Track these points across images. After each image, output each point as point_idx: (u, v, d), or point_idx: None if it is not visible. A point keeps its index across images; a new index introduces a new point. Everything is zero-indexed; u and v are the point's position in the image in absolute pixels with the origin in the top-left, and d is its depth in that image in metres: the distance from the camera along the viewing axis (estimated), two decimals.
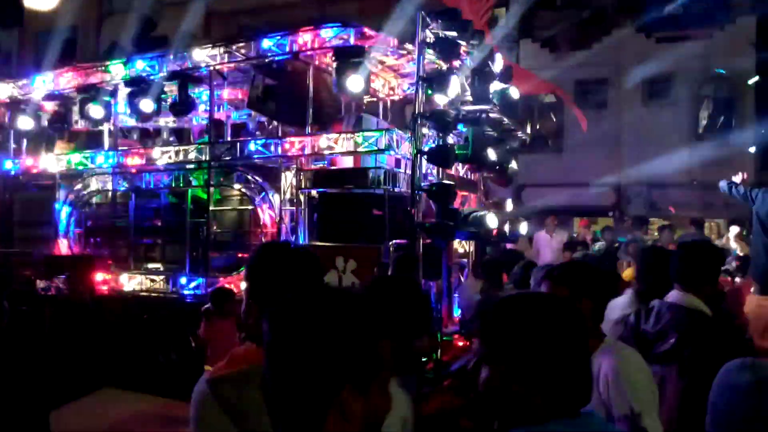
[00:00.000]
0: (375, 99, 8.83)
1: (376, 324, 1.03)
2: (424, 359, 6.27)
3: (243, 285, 5.77)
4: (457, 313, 7.47)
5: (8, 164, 9.26)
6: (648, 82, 14.37)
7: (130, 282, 8.13)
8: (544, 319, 1.26)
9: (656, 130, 13.91)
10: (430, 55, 6.76)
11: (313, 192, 7.35)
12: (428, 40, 6.60)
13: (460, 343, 6.87)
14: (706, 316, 2.37)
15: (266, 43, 7.28)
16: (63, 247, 8.82)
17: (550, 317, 1.27)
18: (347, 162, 7.41)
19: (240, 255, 7.71)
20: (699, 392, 1.50)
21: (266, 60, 7.29)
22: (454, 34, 6.55)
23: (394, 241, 6.86)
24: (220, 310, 5.47)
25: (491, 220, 6.57)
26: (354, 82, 6.72)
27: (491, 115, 7.25)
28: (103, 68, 8.50)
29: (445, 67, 6.78)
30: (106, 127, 8.85)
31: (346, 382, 0.96)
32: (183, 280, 7.76)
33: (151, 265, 8.38)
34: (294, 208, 7.33)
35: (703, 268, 2.46)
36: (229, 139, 8.75)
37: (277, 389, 0.97)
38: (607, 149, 13.99)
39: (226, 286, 6.72)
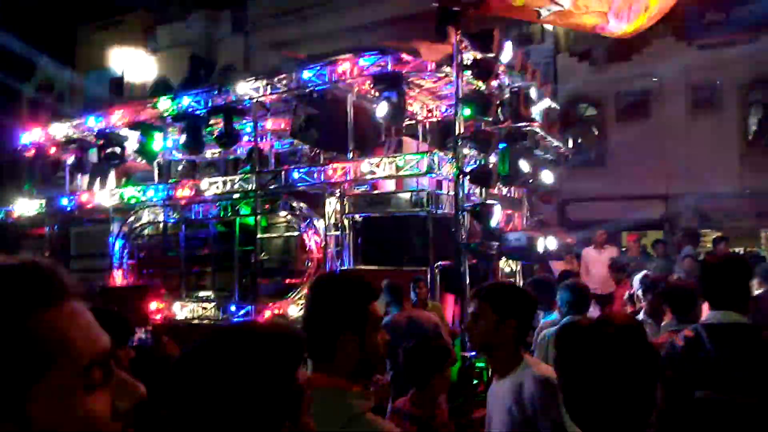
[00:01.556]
0: (414, 122, 8.91)
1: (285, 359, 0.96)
2: (475, 381, 6.22)
3: (293, 311, 5.78)
4: None
5: (65, 201, 9.69)
6: (692, 90, 14.03)
7: (183, 310, 8.34)
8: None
9: (703, 139, 13.51)
10: (467, 76, 6.81)
11: (357, 216, 7.44)
12: (465, 62, 6.65)
13: None
14: None
15: (306, 74, 7.46)
16: (117, 278, 9.13)
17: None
18: (389, 185, 7.48)
19: (287, 281, 7.82)
20: None
21: (307, 90, 7.46)
22: (491, 54, 6.58)
23: (439, 262, 6.86)
24: None
25: (540, 239, 6.51)
26: (393, 108, 6.81)
27: (531, 132, 7.22)
28: (152, 105, 8.85)
29: (483, 87, 6.81)
30: (156, 162, 9.17)
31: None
32: (233, 308, 7.92)
33: (202, 293, 8.58)
34: (338, 233, 7.42)
35: (744, 284, 2.36)
36: (273, 168, 8.94)
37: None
38: (652, 160, 13.65)
39: (277, 311, 6.84)
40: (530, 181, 7.26)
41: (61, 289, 0.66)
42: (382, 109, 6.83)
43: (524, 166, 6.68)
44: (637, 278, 4.91)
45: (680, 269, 7.78)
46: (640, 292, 4.73)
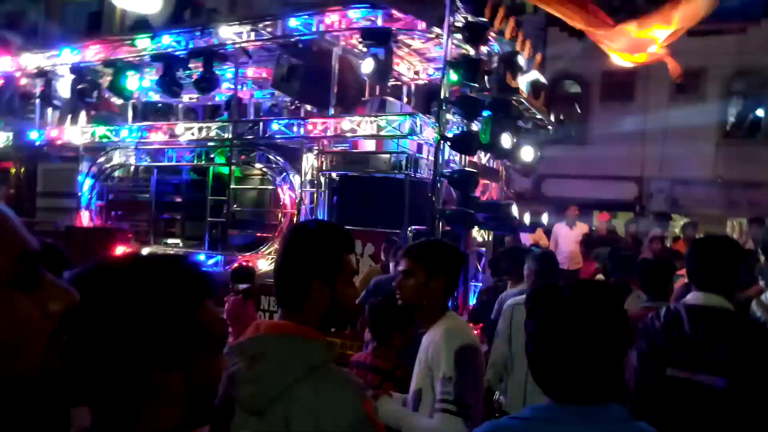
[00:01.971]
0: (399, 83, 8.76)
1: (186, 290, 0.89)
2: None
3: (263, 264, 5.73)
4: (472, 301, 7.45)
5: (33, 134, 9.36)
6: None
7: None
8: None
9: (683, 126, 13.63)
10: (457, 40, 6.68)
11: (334, 174, 7.35)
12: (457, 24, 6.52)
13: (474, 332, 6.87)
14: (755, 324, 2.30)
15: (293, 22, 7.24)
16: (84, 218, 8.92)
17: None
18: (369, 145, 7.38)
19: (259, 234, 7.74)
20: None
21: (292, 39, 7.25)
22: (483, 19, 6.46)
23: (413, 227, 6.84)
24: (242, 288, 5.49)
25: (515, 211, 6.52)
26: (379, 65, 6.67)
27: (516, 102, 7.16)
28: (130, 42, 8.52)
29: (472, 52, 6.69)
30: (130, 102, 8.88)
31: (156, 362, 0.85)
32: (201, 257, 7.82)
33: (170, 241, 8.46)
34: (314, 189, 7.33)
35: (732, 269, 2.37)
36: (252, 117, 8.74)
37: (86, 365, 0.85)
38: (631, 143, 13.76)
39: (244, 263, 6.77)
40: (510, 152, 7.23)
41: None
42: (368, 66, 6.68)
43: (506, 136, 6.63)
44: (602, 254, 4.95)
45: (647, 250, 7.93)
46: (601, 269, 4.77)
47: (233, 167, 7.82)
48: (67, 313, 0.72)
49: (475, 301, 6.80)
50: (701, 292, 2.28)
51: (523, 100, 7.17)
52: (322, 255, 1.57)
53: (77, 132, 8.99)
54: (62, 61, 9.08)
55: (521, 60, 6.94)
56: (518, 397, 3.22)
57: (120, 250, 8.19)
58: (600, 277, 5.75)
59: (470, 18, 6.40)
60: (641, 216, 13.10)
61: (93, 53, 8.82)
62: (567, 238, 8.80)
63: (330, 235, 1.63)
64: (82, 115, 9.31)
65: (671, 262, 3.91)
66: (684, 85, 14.25)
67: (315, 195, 7.31)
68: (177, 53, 8.00)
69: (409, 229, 6.87)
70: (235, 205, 7.88)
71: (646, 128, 13.94)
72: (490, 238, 8.05)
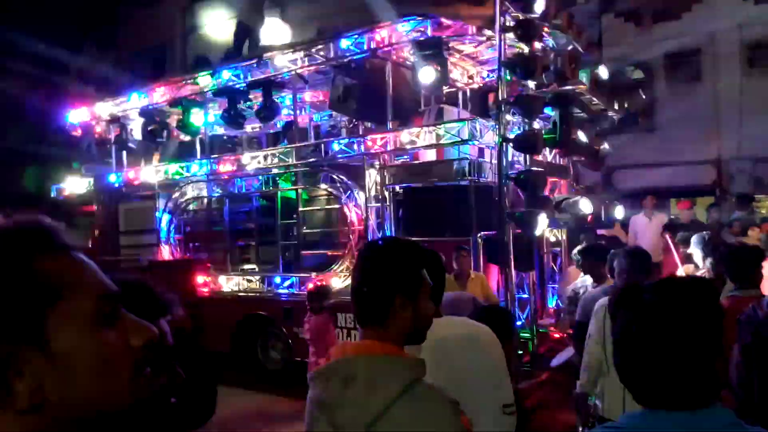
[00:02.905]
0: (454, 89, 8.72)
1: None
2: (519, 352, 6.15)
3: (336, 283, 5.80)
4: (551, 303, 7.25)
5: (112, 177, 9.92)
6: (748, 48, 13.29)
7: (228, 283, 8.49)
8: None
9: (759, 100, 12.84)
10: (510, 40, 6.58)
11: (397, 187, 7.36)
12: (508, 23, 6.43)
13: (557, 335, 6.67)
14: None
15: (344, 43, 7.35)
16: (165, 252, 9.34)
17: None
18: (430, 155, 7.37)
19: (330, 253, 7.84)
20: None
21: (345, 60, 7.36)
22: (535, 14, 6.34)
23: (482, 233, 6.75)
24: (319, 306, 5.59)
25: (585, 206, 6.31)
26: (434, 75, 6.66)
27: (578, 96, 6.97)
28: (192, 81, 8.91)
29: (526, 50, 6.57)
30: (198, 137, 9.26)
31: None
32: (277, 280, 8.01)
33: (246, 266, 8.71)
34: (379, 204, 7.37)
35: None
36: (312, 140, 8.92)
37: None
38: (703, 124, 13.08)
39: (320, 283, 6.87)
40: (576, 147, 7.03)
41: (63, 244, 0.77)
42: (422, 77, 6.69)
43: (570, 131, 6.45)
44: (694, 241, 4.69)
45: (729, 234, 7.47)
46: (698, 257, 4.52)
47: (300, 190, 7.99)
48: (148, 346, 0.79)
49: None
50: None
51: (584, 92, 6.97)
52: (403, 271, 1.56)
53: (152, 171, 9.45)
54: (132, 106, 9.62)
55: (578, 51, 6.76)
56: (617, 401, 3.09)
57: (200, 279, 8.52)
58: (689, 267, 5.46)
59: (521, 16, 6.30)
60: (723, 200, 12.38)
61: (159, 95, 9.28)
62: (646, 230, 8.43)
63: (407, 251, 1.63)
64: (155, 154, 9.79)
65: (758, 248, 3.67)
66: (757, 57, 13.45)
67: (381, 210, 7.35)
68: (237, 86, 8.29)
69: (479, 235, 6.78)
70: (304, 227, 8.04)
71: (719, 108, 13.22)
72: (564, 237, 7.82)
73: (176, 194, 9.26)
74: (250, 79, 8.23)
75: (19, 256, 0.72)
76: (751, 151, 12.91)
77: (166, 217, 9.35)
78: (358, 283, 1.61)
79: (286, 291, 7.91)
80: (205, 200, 9.16)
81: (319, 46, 7.69)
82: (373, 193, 7.40)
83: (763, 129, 12.43)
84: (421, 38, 6.81)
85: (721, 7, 13.07)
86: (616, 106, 8.24)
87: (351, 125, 8.64)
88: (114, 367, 0.75)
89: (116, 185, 9.88)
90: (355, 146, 7.42)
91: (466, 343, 2.07)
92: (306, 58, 7.83)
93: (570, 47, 6.74)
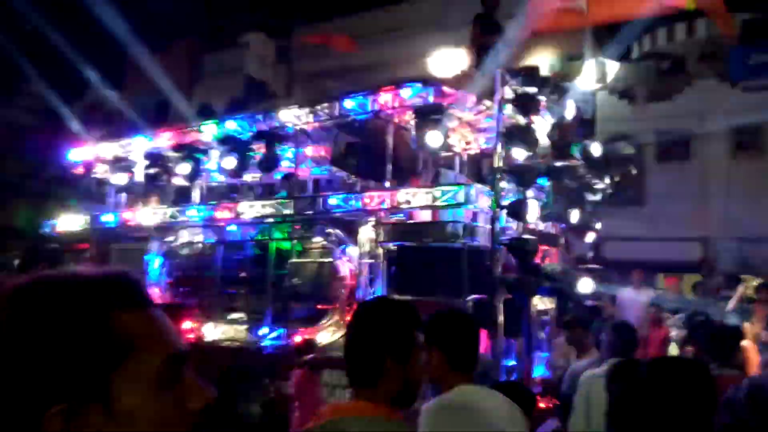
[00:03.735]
0: (452, 153, 8.95)
1: None
2: None
3: (324, 337, 5.76)
4: (538, 372, 7.23)
5: (108, 217, 9.96)
6: (735, 133, 13.80)
7: (215, 330, 8.42)
8: None
9: (745, 183, 13.24)
10: (508, 110, 6.84)
11: (391, 245, 7.45)
12: (507, 96, 6.70)
13: (542, 405, 6.63)
14: None
15: (349, 104, 7.60)
16: (154, 295, 9.28)
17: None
18: (425, 216, 7.49)
19: (319, 307, 7.84)
20: None
21: (348, 119, 7.59)
22: (533, 89, 6.63)
23: (473, 296, 6.81)
24: (305, 362, 5.56)
25: (584, 286, 6.42)
26: (433, 139, 6.88)
27: (571, 168, 7.19)
28: (197, 128, 9.11)
29: (524, 122, 6.83)
30: (197, 183, 9.38)
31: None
32: (264, 330, 7.96)
33: (234, 315, 8.65)
34: (372, 261, 7.44)
35: None
36: (310, 193, 9.06)
37: None
38: (691, 202, 13.42)
39: (307, 337, 6.85)
40: (568, 218, 7.20)
41: (142, 298, 0.79)
42: (421, 140, 6.90)
43: (563, 202, 6.64)
44: (674, 321, 4.77)
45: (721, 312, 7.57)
46: (674, 334, 4.60)
47: (294, 242, 8.06)
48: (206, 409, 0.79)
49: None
50: None
51: (578, 165, 7.20)
52: (395, 333, 1.60)
53: (148, 213, 9.52)
54: (135, 148, 9.77)
55: (573, 126, 7.02)
56: None
57: (187, 325, 8.45)
58: (673, 347, 5.53)
59: (520, 90, 6.58)
60: (709, 277, 12.54)
61: (164, 140, 9.45)
62: (633, 304, 8.52)
63: (399, 312, 1.68)
64: (152, 197, 9.88)
65: (738, 327, 3.76)
66: (744, 141, 13.94)
67: (373, 266, 7.41)
68: (241, 136, 8.49)
69: (469, 297, 6.83)
70: (295, 279, 8.06)
71: (707, 187, 13.59)
72: (553, 306, 7.88)
73: (170, 237, 9.29)
74: (254, 130, 8.44)
75: (97, 311, 0.72)
76: (737, 231, 13.20)
77: (158, 260, 9.34)
78: (350, 343, 1.67)
79: (272, 342, 7.84)
80: (199, 245, 9.19)
81: (325, 105, 7.93)
82: (366, 249, 7.47)
83: (749, 210, 12.78)
84: (423, 104, 7.06)
85: (710, 91, 13.64)
86: (607, 180, 8.48)
87: (350, 181, 8.81)
88: (172, 429, 0.75)
89: (111, 225, 9.90)
90: (352, 202, 7.55)
91: (509, 421, 2.08)
92: (311, 115, 8.06)
93: (564, 121, 7.01)
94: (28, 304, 0.70)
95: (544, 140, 6.97)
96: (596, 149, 7.73)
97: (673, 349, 5.91)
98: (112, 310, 0.74)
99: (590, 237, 8.43)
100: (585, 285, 6.62)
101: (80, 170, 10.79)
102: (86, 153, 10.66)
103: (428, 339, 2.12)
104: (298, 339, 7.32)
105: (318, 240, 7.94)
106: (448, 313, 2.41)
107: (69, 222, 10.71)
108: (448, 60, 8.10)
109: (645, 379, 1.29)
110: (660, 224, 13.27)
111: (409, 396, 1.63)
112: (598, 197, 8.23)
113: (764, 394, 2.15)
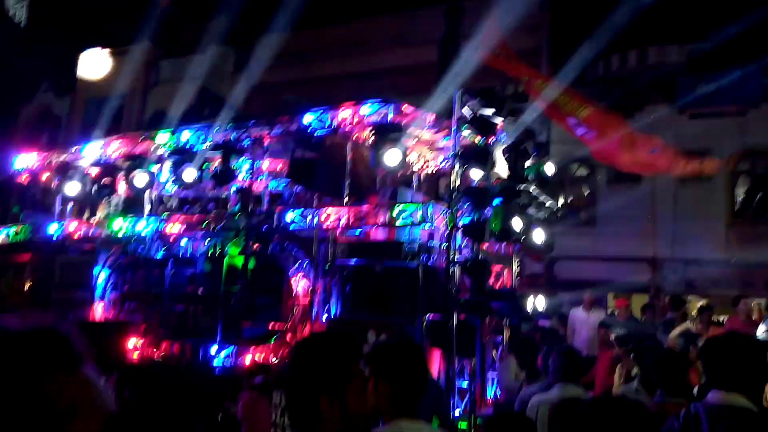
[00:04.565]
0: (409, 171, 8.97)
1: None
2: None
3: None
4: (490, 394, 7.25)
5: (52, 228, 9.53)
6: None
7: (161, 349, 8.12)
8: None
9: (691, 206, 13.75)
10: (466, 131, 6.90)
11: (347, 263, 7.37)
12: (465, 117, 6.76)
13: None
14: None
15: (308, 118, 7.52)
16: (98, 311, 8.92)
17: None
18: (382, 234, 7.45)
19: (272, 325, 7.67)
20: None
21: (307, 133, 7.50)
22: (490, 111, 6.70)
23: (427, 315, 6.79)
24: (253, 383, 5.41)
25: (529, 302, 6.48)
26: (391, 157, 6.87)
27: (524, 189, 7.28)
28: (151, 137, 8.85)
29: (481, 142, 6.89)
30: (147, 195, 9.10)
31: None
32: (214, 349, 7.73)
33: (183, 333, 8.38)
34: (327, 279, 7.34)
35: (752, 366, 2.30)
36: (266, 208, 8.91)
37: None
38: (641, 224, 13.83)
39: (257, 356, 6.68)
40: (522, 238, 7.28)
41: (74, 358, 0.78)
42: (380, 158, 6.88)
43: (517, 223, 6.70)
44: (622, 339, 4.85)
45: (664, 336, 7.74)
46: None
47: (247, 257, 7.88)
48: None
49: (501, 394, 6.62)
50: (721, 391, 2.22)
51: (531, 186, 7.30)
52: (326, 369, 1.50)
53: (94, 225, 9.16)
54: (84, 156, 9.41)
55: (528, 148, 7.13)
56: None
57: (132, 343, 8.14)
58: (618, 369, 5.62)
59: (478, 112, 6.64)
60: (657, 298, 12.91)
61: (114, 148, 9.14)
62: (584, 325, 8.66)
63: (333, 346, 1.57)
64: (101, 208, 9.53)
65: (686, 355, 3.84)
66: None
67: (328, 284, 7.31)
68: (196, 148, 8.29)
69: (424, 317, 6.81)
70: (248, 296, 7.87)
71: (655, 209, 14.04)
72: (507, 325, 7.93)
73: (118, 251, 8.96)
74: (210, 141, 8.25)
75: (32, 376, 0.71)
76: (683, 253, 13.66)
77: (103, 274, 9.00)
78: (287, 386, 1.58)
79: (221, 362, 7.62)
80: (148, 259, 8.89)
81: (283, 118, 7.83)
82: (322, 266, 7.38)
83: (695, 232, 13.26)
84: (382, 122, 7.05)
85: (659, 118, 14.13)
86: (560, 200, 8.64)
87: (306, 196, 8.71)
88: None
89: (56, 236, 9.48)
90: (309, 218, 7.45)
91: None
92: (268, 128, 7.94)
93: (520, 144, 7.11)
94: None
95: (500, 161, 7.05)
96: (550, 170, 7.87)
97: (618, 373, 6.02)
98: (47, 376, 0.74)
99: (543, 257, 8.54)
100: (537, 303, 6.67)
101: (25, 178, 10.33)
102: (33, 160, 10.21)
103: (375, 371, 2.06)
104: (249, 358, 7.15)
105: (272, 256, 7.79)
106: (397, 344, 2.30)
107: (10, 231, 10.22)
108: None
109: (585, 420, 1.28)
110: (610, 245, 13.62)
111: None
112: (550, 217, 8.37)
113: (697, 420, 2.17)
